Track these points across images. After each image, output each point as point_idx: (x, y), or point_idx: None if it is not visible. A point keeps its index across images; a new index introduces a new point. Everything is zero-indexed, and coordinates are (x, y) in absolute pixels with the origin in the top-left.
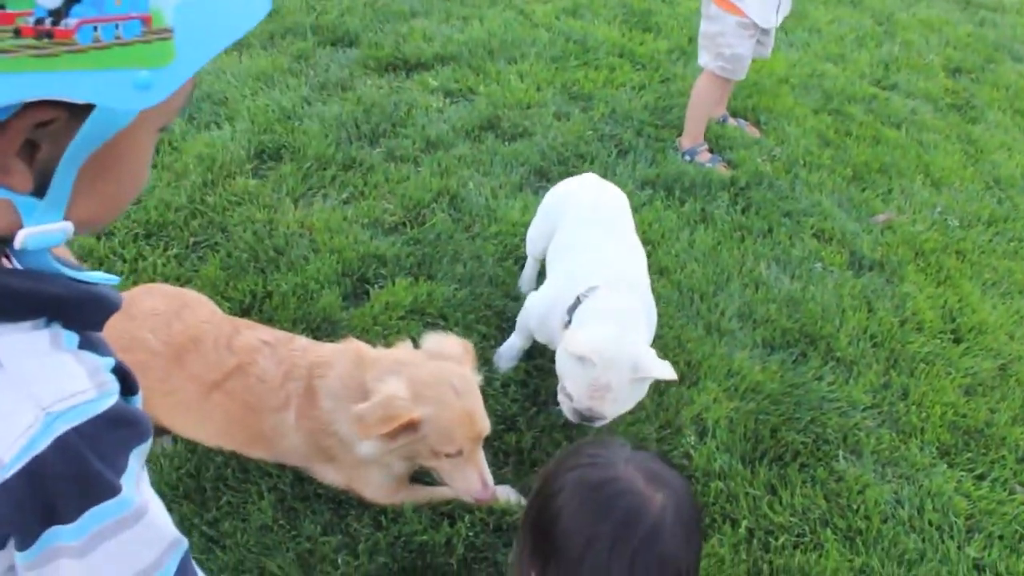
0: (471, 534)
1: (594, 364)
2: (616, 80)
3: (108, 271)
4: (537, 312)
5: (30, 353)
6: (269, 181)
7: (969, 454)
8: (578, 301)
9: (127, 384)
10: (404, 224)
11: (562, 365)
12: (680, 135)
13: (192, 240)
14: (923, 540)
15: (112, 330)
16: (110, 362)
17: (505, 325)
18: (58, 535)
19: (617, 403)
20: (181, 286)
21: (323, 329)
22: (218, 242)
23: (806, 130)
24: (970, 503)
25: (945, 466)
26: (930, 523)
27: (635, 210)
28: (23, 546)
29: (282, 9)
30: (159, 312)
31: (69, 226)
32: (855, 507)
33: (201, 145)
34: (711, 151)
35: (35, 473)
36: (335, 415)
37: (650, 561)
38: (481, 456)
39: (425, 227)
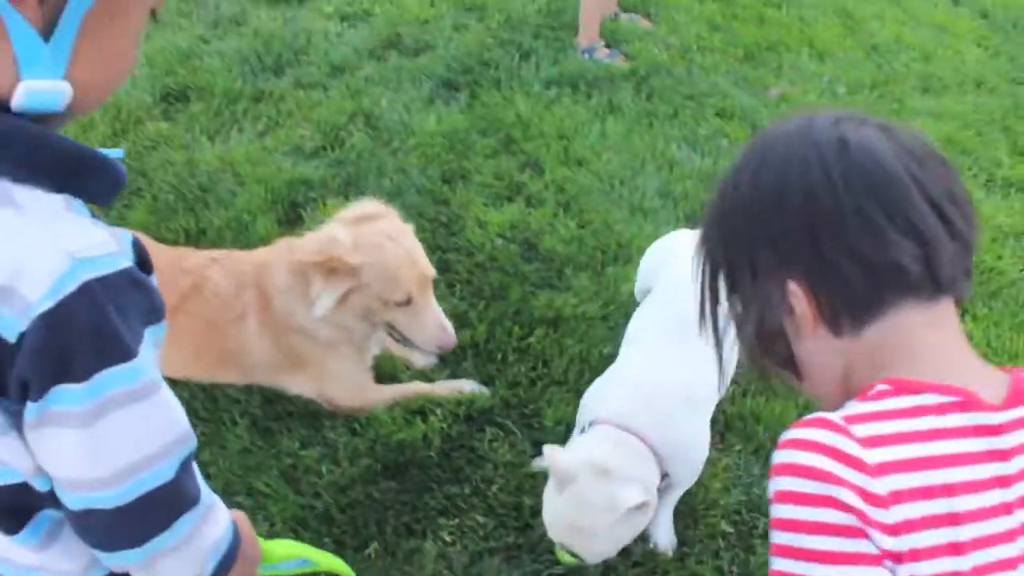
0: (444, 426)
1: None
2: None
3: None
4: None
5: (48, 209)
6: (180, 122)
7: None
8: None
9: (143, 264)
10: (324, 148)
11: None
12: (577, 35)
13: None
14: None
15: None
16: (128, 234)
17: (440, 230)
18: (62, 396)
19: (596, 542)
20: None
21: None
22: (141, 187)
23: (694, 17)
24: None
25: None
26: None
27: (546, 107)
28: (36, 396)
29: None
30: None
31: (67, 86)
32: None
33: None
34: (608, 47)
35: (58, 317)
36: (288, 306)
37: (932, 167)
38: (434, 304)
39: (345, 148)
